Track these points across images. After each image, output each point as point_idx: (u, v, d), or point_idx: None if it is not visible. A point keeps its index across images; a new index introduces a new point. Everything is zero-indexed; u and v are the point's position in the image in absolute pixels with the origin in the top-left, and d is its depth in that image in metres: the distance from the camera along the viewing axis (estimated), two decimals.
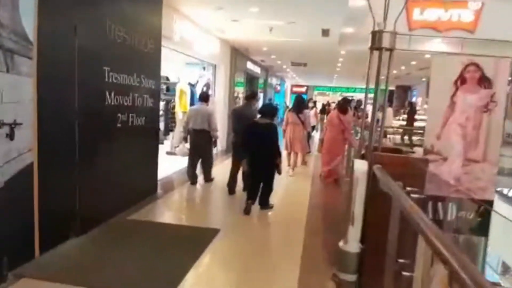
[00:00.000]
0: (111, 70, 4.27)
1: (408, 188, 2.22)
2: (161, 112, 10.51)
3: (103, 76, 4.17)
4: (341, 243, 2.83)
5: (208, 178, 6.69)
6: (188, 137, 6.51)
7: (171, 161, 8.39)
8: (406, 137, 11.29)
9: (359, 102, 13.56)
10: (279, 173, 5.26)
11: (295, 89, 30.54)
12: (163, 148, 9.40)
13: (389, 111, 12.71)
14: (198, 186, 6.57)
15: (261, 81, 18.93)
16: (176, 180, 6.94)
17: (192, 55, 8.42)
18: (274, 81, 23.38)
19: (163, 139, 9.76)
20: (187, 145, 6.68)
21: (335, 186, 7.31)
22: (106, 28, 4.17)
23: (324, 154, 7.68)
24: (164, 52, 10.15)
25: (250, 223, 4.90)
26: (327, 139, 7.61)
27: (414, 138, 10.70)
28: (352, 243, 2.77)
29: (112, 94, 4.33)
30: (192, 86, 10.02)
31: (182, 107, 9.20)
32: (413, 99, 22.79)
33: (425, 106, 15.83)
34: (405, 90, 25.89)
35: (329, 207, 5.92)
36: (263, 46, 11.43)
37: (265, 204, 5.25)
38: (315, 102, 15.88)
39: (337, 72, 18.62)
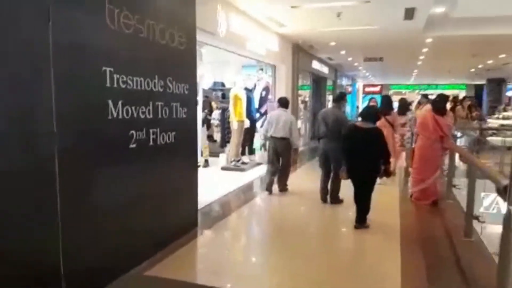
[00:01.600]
0: (115, 71, 3.09)
1: None
2: (217, 122, 9.51)
3: (103, 79, 2.99)
4: None
5: (283, 188, 6.26)
6: (267, 144, 6.23)
7: (227, 178, 7.20)
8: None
9: (468, 98, 11.25)
10: (388, 176, 4.87)
11: (367, 89, 28.21)
12: (218, 163, 8.27)
13: None
14: (267, 200, 5.74)
15: (329, 82, 17.23)
16: (234, 201, 5.71)
17: (245, 54, 7.17)
18: (344, 81, 21.46)
19: (219, 152, 8.65)
20: (265, 154, 6.47)
21: (434, 211, 5.50)
22: (106, 14, 3.00)
23: (416, 169, 5.90)
24: (214, 53, 9.15)
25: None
26: (420, 149, 5.84)
27: None
28: None
29: (119, 104, 3.14)
30: (249, 91, 8.77)
31: (237, 115, 7.97)
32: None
33: None
34: (498, 83, 22.33)
35: (433, 247, 4.18)
36: (330, 40, 9.85)
37: (362, 222, 4.57)
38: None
39: (418, 67, 16.27)
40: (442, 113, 5.66)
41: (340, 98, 5.83)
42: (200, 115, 6.04)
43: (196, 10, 4.29)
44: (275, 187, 6.17)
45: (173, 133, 3.90)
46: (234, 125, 8.11)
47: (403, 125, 7.20)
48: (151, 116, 3.56)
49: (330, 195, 5.54)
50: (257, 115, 9.42)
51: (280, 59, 9.11)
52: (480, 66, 15.50)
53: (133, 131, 3.33)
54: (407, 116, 7.25)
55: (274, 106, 9.34)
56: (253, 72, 9.45)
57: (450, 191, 5.90)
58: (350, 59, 13.79)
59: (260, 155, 6.96)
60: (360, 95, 29.30)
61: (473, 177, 4.25)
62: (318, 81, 14.49)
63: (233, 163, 8.18)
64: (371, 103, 6.73)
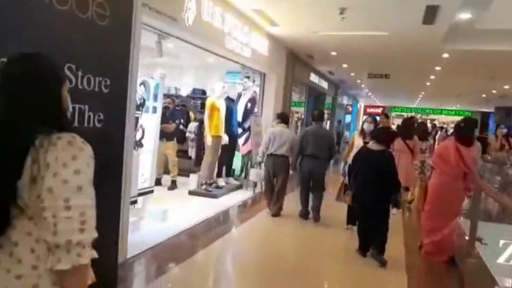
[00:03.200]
0: None
1: None
2: (192, 136, 8.14)
3: None
4: None
5: (277, 212, 5.75)
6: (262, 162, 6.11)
7: (193, 206, 5.81)
8: None
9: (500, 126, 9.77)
10: (398, 206, 4.66)
11: (369, 110, 26.97)
12: (186, 185, 6.85)
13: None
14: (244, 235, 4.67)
15: (328, 99, 15.92)
16: (188, 244, 4.24)
17: (222, 54, 5.81)
18: (345, 100, 20.17)
19: (193, 172, 7.23)
20: (262, 172, 6.26)
21: (451, 275, 4.09)
22: None
23: (429, 214, 4.47)
24: (196, 55, 7.83)
25: None
26: (435, 188, 4.42)
27: None
28: None
29: None
30: (232, 101, 7.41)
31: (212, 129, 6.59)
32: None
33: None
34: (507, 112, 21.04)
35: None
36: (331, 50, 8.55)
37: (382, 253, 4.03)
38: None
39: (426, 89, 14.97)
40: (469, 143, 4.28)
41: (320, 117, 5.99)
42: (155, 124, 4.65)
43: None
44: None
45: None
46: (208, 140, 6.73)
47: (423, 151, 6.44)
48: None
49: (314, 211, 5.44)
50: (239, 130, 8.08)
51: (270, 66, 7.78)
52: (494, 91, 14.22)
53: None
54: (429, 142, 6.47)
55: (259, 121, 8.03)
56: (238, 79, 8.11)
57: (472, 247, 4.47)
58: (352, 74, 12.49)
59: (256, 172, 6.48)
60: (361, 116, 28.06)
61: None
62: (315, 97, 13.17)
63: (204, 186, 6.76)
64: (370, 123, 5.38)
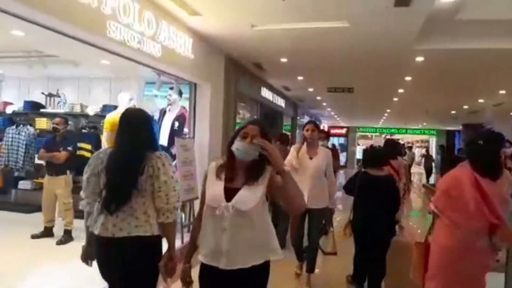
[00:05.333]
0: None
1: None
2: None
3: None
4: None
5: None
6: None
7: (86, 274, 3.76)
8: None
9: None
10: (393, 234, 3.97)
11: (333, 131, 25.69)
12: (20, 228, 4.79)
13: None
14: None
15: (287, 120, 14.23)
16: None
17: (105, 46, 3.83)
18: (306, 120, 18.62)
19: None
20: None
21: None
22: None
23: (434, 283, 2.66)
24: (113, 67, 5.86)
25: None
26: (444, 251, 2.61)
27: None
28: None
29: None
30: (151, 120, 5.44)
31: None
32: None
33: None
34: (475, 129, 20.18)
35: None
36: (280, 54, 6.82)
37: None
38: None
39: (393, 105, 13.59)
40: (496, 174, 2.52)
41: (287, 140, 6.15)
42: None
43: None
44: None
45: None
46: None
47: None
48: None
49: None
50: None
51: (200, 74, 5.90)
52: (465, 106, 13.03)
53: None
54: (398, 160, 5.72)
55: (189, 145, 6.08)
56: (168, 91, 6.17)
57: None
58: (311, 89, 10.84)
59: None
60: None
61: None
62: (271, 116, 11.42)
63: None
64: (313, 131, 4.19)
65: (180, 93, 6.23)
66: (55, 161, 5.25)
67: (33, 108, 7.05)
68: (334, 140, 26.07)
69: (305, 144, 4.14)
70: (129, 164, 2.13)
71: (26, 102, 7.04)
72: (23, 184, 6.97)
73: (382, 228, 3.67)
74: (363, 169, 3.95)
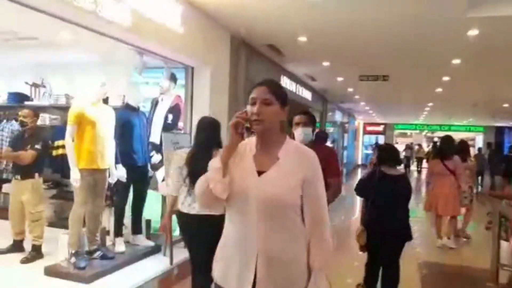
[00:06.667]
0: None
1: None
2: None
3: None
4: None
5: None
6: None
7: None
8: None
9: None
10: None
11: (369, 127, 24.09)
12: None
13: None
14: None
15: (315, 114, 12.93)
16: None
17: (50, 10, 2.84)
18: (338, 116, 17.19)
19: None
20: None
21: None
22: None
23: None
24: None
25: None
26: None
27: None
28: None
29: None
30: (135, 110, 4.49)
31: (83, 159, 3.78)
32: None
33: None
34: None
35: None
36: (297, 31, 5.64)
37: None
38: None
39: (436, 97, 11.97)
40: None
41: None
42: None
43: None
44: None
45: None
46: (73, 178, 3.88)
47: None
48: None
49: None
50: (156, 156, 5.15)
51: (193, 54, 4.82)
52: None
53: None
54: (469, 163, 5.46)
55: (182, 141, 5.05)
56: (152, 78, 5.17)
57: None
58: (340, 79, 9.53)
59: None
60: (360, 135, 25.08)
61: None
62: (294, 111, 10.20)
63: (73, 259, 3.86)
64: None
65: (174, 79, 5.21)
66: (19, 162, 4.36)
67: (19, 100, 6.28)
68: (371, 139, 24.37)
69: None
70: (204, 156, 2.41)
71: (10, 94, 6.28)
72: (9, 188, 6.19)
73: (400, 229, 3.57)
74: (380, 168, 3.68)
